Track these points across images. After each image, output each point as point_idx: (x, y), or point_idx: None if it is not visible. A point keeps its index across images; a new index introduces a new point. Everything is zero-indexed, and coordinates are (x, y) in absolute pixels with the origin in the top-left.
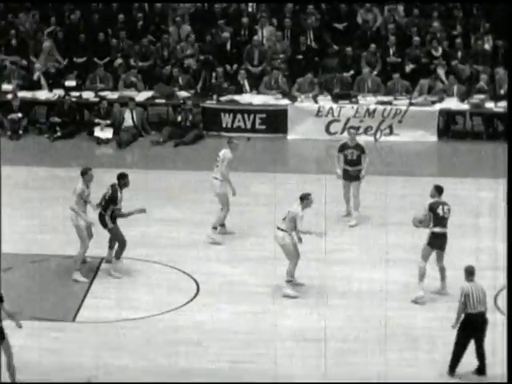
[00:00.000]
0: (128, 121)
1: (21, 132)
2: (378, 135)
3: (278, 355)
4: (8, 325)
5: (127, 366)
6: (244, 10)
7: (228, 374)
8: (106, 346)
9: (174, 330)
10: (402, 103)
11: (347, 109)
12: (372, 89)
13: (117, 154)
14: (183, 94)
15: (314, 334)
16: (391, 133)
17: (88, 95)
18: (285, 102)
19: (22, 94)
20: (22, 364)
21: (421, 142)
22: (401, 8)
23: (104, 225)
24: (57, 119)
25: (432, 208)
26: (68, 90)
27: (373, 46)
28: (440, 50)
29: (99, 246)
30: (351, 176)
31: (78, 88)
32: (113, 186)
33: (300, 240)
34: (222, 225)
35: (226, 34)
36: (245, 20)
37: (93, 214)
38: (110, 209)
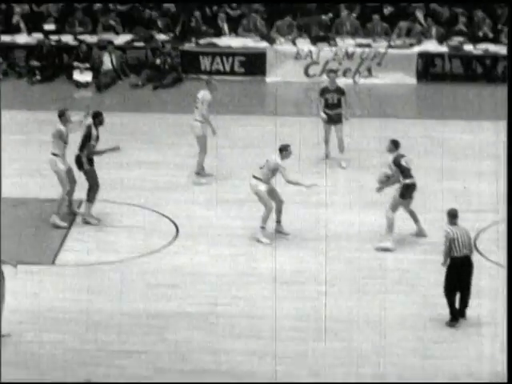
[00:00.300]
0: (107, 64)
1: (0, 76)
2: (356, 78)
3: (256, 297)
4: None
5: (106, 309)
6: None
7: (207, 317)
8: (85, 288)
9: (154, 273)
10: (380, 46)
11: (326, 51)
12: (351, 31)
13: (96, 97)
14: (162, 37)
15: (292, 277)
16: (370, 75)
17: (67, 39)
18: (263, 44)
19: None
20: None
21: (400, 84)
22: None
23: (80, 165)
24: (36, 63)
25: (396, 162)
26: (47, 33)
27: None
28: None
29: (79, 188)
30: (333, 119)
31: (57, 32)
32: (88, 126)
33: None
34: (202, 168)
35: None
36: None
37: (71, 158)
38: (86, 148)
